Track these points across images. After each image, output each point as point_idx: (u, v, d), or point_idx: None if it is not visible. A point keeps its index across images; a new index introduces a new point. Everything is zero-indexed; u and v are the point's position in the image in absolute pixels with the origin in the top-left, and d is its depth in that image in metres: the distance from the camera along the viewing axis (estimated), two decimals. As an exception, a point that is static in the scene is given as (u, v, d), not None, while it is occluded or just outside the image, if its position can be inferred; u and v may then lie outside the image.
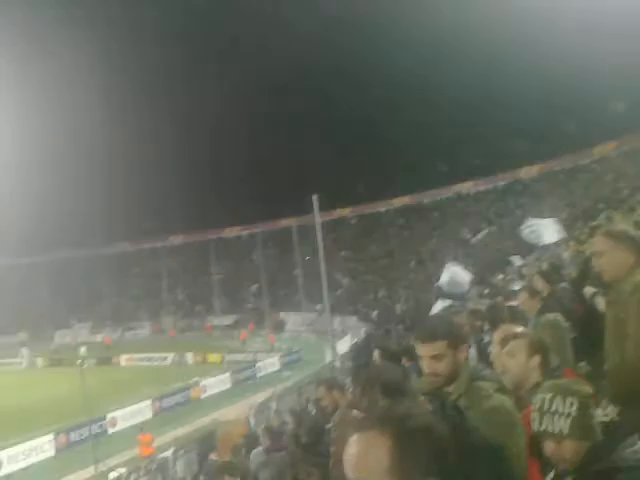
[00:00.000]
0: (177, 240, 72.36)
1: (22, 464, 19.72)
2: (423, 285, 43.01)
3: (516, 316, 5.27)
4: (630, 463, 1.90)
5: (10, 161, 59.49)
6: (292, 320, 53.32)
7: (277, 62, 61.76)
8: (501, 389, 2.72)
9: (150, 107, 63.92)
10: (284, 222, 63.79)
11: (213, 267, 65.27)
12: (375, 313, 41.26)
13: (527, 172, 51.96)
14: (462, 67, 49.38)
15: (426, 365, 2.67)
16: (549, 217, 14.89)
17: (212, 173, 63.19)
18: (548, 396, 2.19)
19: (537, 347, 3.20)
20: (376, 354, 5.48)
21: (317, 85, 57.98)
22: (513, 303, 6.63)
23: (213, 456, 8.01)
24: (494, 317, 5.44)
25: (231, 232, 70.32)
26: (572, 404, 2.13)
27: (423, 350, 2.70)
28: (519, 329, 3.59)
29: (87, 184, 64.34)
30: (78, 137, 63.09)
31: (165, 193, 64.93)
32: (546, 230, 12.71)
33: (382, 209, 63.96)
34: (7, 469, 19.27)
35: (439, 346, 2.65)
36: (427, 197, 60.76)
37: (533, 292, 5.73)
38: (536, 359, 3.14)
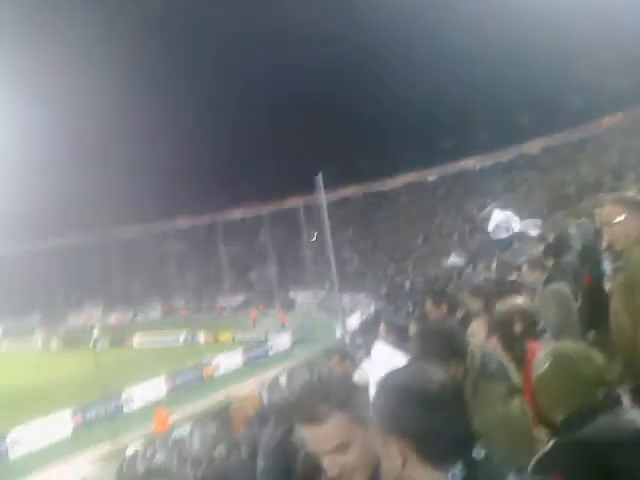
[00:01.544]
0: (185, 222, 72.76)
1: (40, 442, 20.22)
2: (430, 261, 43.23)
3: (519, 289, 5.23)
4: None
5: (23, 147, 59.83)
6: (301, 298, 53.75)
7: (281, 41, 61.38)
8: (513, 390, 2.62)
9: (159, 90, 63.96)
10: (290, 202, 63.96)
11: (221, 248, 65.63)
12: (384, 290, 41.56)
13: (532, 146, 51.69)
14: (465, 42, 48.82)
15: None
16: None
17: (217, 155, 63.19)
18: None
19: (494, 327, 3.15)
20: (382, 328, 5.54)
21: (320, 63, 57.59)
22: (518, 277, 6.67)
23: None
24: (496, 292, 5.40)
25: (238, 213, 70.61)
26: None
27: None
28: (519, 301, 3.53)
29: (97, 168, 64.65)
30: (89, 120, 63.10)
31: (172, 176, 65.03)
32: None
33: (387, 187, 63.96)
34: (26, 447, 19.79)
35: None
36: (432, 174, 60.66)
37: (538, 264, 5.86)
38: (493, 340, 3.09)
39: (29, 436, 20.13)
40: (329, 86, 58.54)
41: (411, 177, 61.76)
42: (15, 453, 19.46)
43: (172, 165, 64.57)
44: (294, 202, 61.93)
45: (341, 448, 1.55)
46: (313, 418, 1.57)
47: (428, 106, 54.00)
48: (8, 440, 19.57)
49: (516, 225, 12.62)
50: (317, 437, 1.56)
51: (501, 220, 12.59)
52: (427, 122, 54.61)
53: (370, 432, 1.54)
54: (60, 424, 21.33)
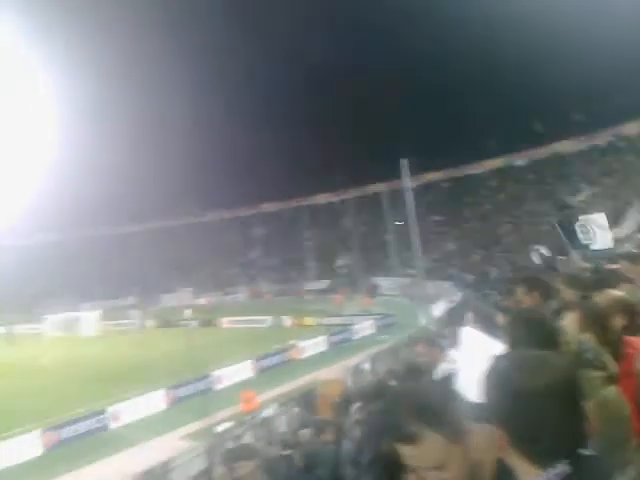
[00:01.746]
0: (270, 207, 74.10)
1: (137, 416, 21.44)
2: (519, 248, 41.81)
3: (619, 280, 4.92)
4: None
5: (113, 134, 62.74)
6: (386, 284, 53.53)
7: (362, 20, 60.88)
8: (610, 377, 2.50)
9: (243, 74, 65.14)
10: (375, 187, 63.63)
11: (306, 233, 66.40)
12: (470, 277, 40.65)
13: (630, 128, 48.55)
14: (559, 21, 46.38)
15: None
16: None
17: (302, 141, 63.74)
18: None
19: (591, 320, 2.97)
20: (469, 316, 5.42)
21: (406, 47, 56.58)
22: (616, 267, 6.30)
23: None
24: (594, 282, 5.04)
25: (323, 199, 71.06)
26: None
27: None
28: (620, 294, 3.37)
29: (183, 154, 66.76)
30: (174, 103, 65.07)
31: (257, 161, 66.27)
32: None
33: (475, 172, 62.23)
34: (124, 420, 21.06)
35: None
36: (522, 158, 58.38)
37: (636, 257, 5.51)
38: (588, 333, 2.91)
39: (127, 411, 21.36)
40: (414, 69, 57.49)
41: (499, 161, 59.76)
42: (114, 426, 20.73)
43: (258, 150, 65.78)
44: (378, 187, 61.62)
45: (439, 466, 1.50)
46: (408, 438, 1.50)
47: (518, 87, 51.87)
48: (108, 414, 20.87)
49: (619, 230, 11.84)
50: (413, 456, 1.51)
51: (600, 224, 11.65)
52: (517, 104, 52.49)
53: (469, 447, 1.48)
54: (155, 400, 22.47)
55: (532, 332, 2.54)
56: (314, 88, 64.28)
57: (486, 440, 1.41)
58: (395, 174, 34.07)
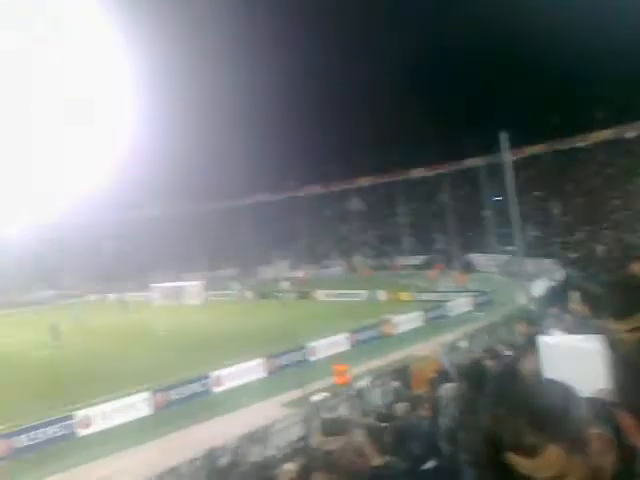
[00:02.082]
0: (365, 182, 73.94)
1: (237, 382, 22.49)
2: (629, 225, 39.38)
3: None
4: None
5: (219, 114, 64.64)
6: (482, 261, 52.29)
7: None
8: None
9: (341, 49, 64.88)
10: (472, 161, 61.81)
11: (401, 208, 65.87)
12: (573, 256, 38.83)
13: None
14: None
15: None
16: None
17: (399, 114, 62.82)
18: None
19: None
20: (575, 296, 5.15)
21: (503, 15, 53.92)
22: None
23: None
24: None
25: (418, 173, 69.95)
26: None
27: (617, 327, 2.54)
28: None
29: (282, 131, 67.81)
30: (278, 83, 65.98)
31: (352, 137, 66.18)
32: None
33: (580, 144, 58.77)
34: (226, 386, 22.16)
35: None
36: (634, 130, 54.42)
37: None
38: None
39: (228, 377, 22.44)
40: (515, 37, 54.77)
41: (607, 134, 56.06)
42: (216, 391, 21.87)
43: (354, 126, 65.62)
44: (476, 161, 59.81)
45: (558, 477, 1.39)
46: (524, 449, 1.37)
47: (630, 56, 48.11)
48: (211, 379, 22.02)
49: None
50: (529, 467, 1.38)
51: None
52: (626, 72, 48.77)
53: (589, 454, 1.36)
54: (254, 368, 23.42)
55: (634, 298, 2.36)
56: (409, 60, 63.04)
57: (605, 444, 1.35)
58: (494, 147, 32.86)
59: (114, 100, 67.26)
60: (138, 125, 65.50)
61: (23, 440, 17.20)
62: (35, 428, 17.63)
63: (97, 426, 18.64)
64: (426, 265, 56.42)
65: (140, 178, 66.70)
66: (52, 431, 17.82)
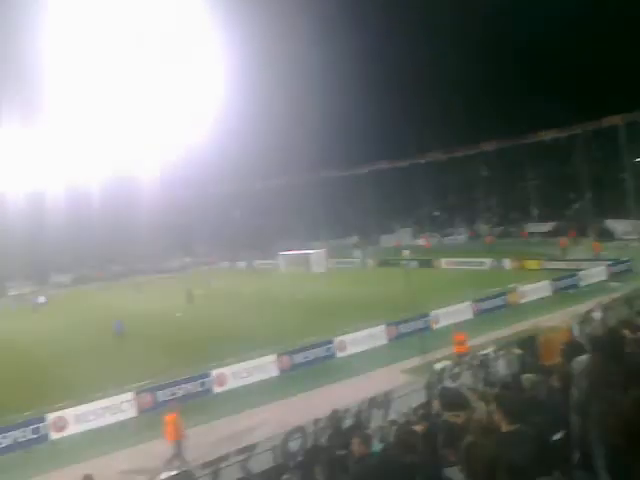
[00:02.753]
0: (490, 146, 70.91)
1: (360, 348, 22.89)
2: None
3: None
4: None
5: (331, 88, 64.79)
6: (620, 228, 48.66)
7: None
8: None
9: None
10: (609, 120, 57.13)
11: (529, 172, 62.78)
12: None
13: None
14: None
15: None
16: None
17: (524, 72, 59.32)
18: None
19: None
20: None
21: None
22: None
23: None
24: None
25: (547, 135, 65.80)
26: None
27: None
28: None
29: (397, 96, 66.73)
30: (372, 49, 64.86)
31: (476, 99, 63.56)
32: None
33: None
34: (350, 351, 22.64)
35: None
36: None
37: None
38: None
39: (351, 342, 22.90)
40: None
41: None
42: (340, 355, 22.41)
43: (479, 86, 63.01)
44: (614, 120, 55.23)
45: None
46: None
47: None
48: (335, 344, 22.58)
49: None
50: None
51: None
52: None
53: None
54: (376, 335, 23.69)
55: None
56: (537, 13, 58.93)
57: None
58: (635, 104, 30.15)
59: (233, 70, 69.14)
60: (263, 95, 67.18)
61: (167, 394, 18.80)
62: (176, 384, 19.17)
63: (230, 384, 19.87)
64: (556, 232, 53.52)
65: (266, 148, 68.72)
66: (191, 387, 19.27)
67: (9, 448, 16.26)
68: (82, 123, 73.55)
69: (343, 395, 15.47)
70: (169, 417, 14.61)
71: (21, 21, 59.50)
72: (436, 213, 73.27)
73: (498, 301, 28.09)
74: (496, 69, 61.89)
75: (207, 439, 14.96)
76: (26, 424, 16.84)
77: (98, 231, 72.57)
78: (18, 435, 16.50)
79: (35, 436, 16.71)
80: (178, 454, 14.17)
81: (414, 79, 64.85)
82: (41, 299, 51.74)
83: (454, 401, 5.56)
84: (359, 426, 11.68)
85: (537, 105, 58.81)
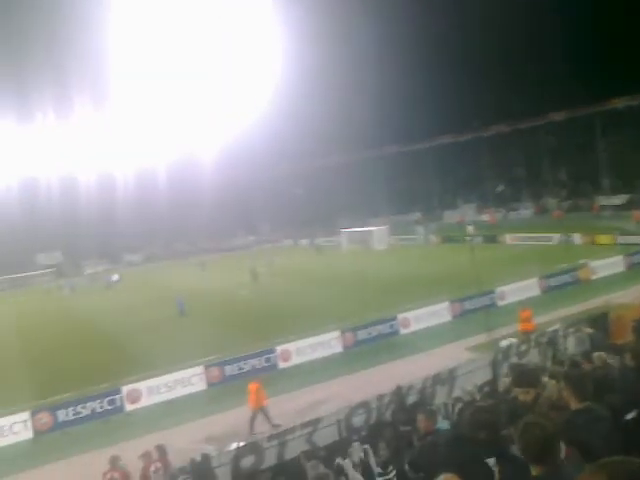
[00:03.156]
0: (558, 116, 68.12)
1: (423, 325, 22.78)
2: None
3: None
4: None
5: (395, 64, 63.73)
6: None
7: None
8: None
9: None
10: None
11: (599, 143, 60.08)
12: None
13: None
14: None
15: None
16: None
17: (597, 38, 56.30)
18: None
19: None
20: None
21: None
22: None
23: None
24: None
25: (620, 102, 62.58)
26: None
27: None
28: None
29: (465, 71, 64.96)
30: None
31: (542, 71, 61.06)
32: None
33: None
34: (414, 327, 22.57)
35: None
36: None
37: None
38: None
39: (415, 319, 22.82)
40: None
41: None
42: (403, 332, 22.36)
43: (543, 60, 60.46)
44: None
45: None
46: None
47: None
48: (398, 321, 22.55)
49: None
50: None
51: None
52: None
53: None
54: (440, 312, 23.49)
55: None
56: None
57: None
58: None
59: (291, 48, 69.02)
60: (323, 73, 66.85)
61: (234, 369, 19.41)
62: (242, 359, 19.71)
63: (294, 360, 20.23)
64: (630, 205, 51.14)
65: (326, 126, 68.56)
66: (256, 362, 19.75)
67: (88, 418, 17.20)
68: (148, 105, 75.62)
69: (406, 372, 15.48)
70: (252, 386, 15.29)
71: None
72: (501, 187, 71.28)
73: (567, 277, 27.19)
74: (569, 35, 59.12)
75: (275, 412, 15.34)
76: (103, 395, 17.79)
77: (166, 211, 75.00)
78: (96, 406, 17.44)
79: (111, 407, 17.61)
80: (256, 418, 14.82)
81: (480, 49, 62.77)
82: (115, 277, 54.00)
83: (524, 377, 5.48)
84: (423, 403, 11.69)
85: (610, 71, 55.93)
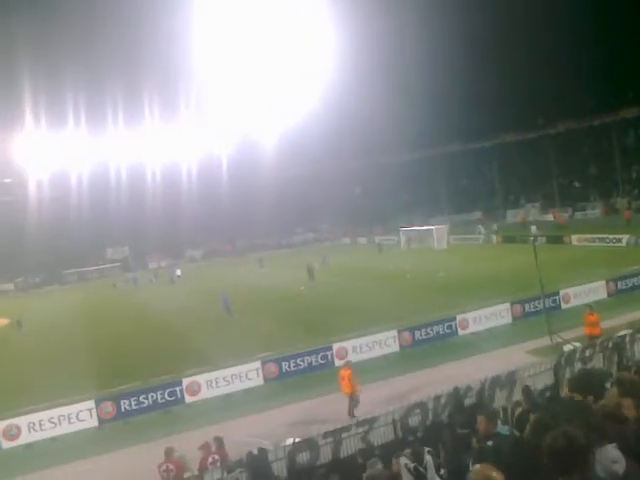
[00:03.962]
0: (631, 113, 65.27)
1: (483, 326, 22.32)
2: None
3: None
4: None
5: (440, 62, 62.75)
6: None
7: None
8: None
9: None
10: None
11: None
12: None
13: None
14: None
15: None
16: None
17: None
18: None
19: None
20: None
21: None
22: None
23: None
24: None
25: None
26: None
27: None
28: None
29: (526, 67, 63.31)
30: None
31: (613, 63, 58.68)
32: None
33: None
34: (473, 329, 22.14)
35: None
36: None
37: None
38: None
39: (474, 320, 22.40)
40: None
41: None
42: (462, 333, 21.99)
43: (614, 51, 58.11)
44: None
45: None
46: None
47: None
48: (457, 321, 22.19)
49: None
50: None
51: None
52: None
53: None
54: (501, 313, 22.94)
55: None
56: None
57: None
58: None
59: (354, 45, 68.84)
60: (387, 71, 66.50)
61: (290, 365, 19.69)
62: (299, 356, 19.96)
63: (350, 358, 20.20)
64: None
65: (387, 123, 68.14)
66: (313, 359, 19.91)
67: (149, 408, 17.81)
68: (214, 102, 77.42)
69: (464, 373, 15.24)
70: (345, 372, 15.55)
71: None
72: (567, 186, 68.93)
73: (637, 280, 25.98)
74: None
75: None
76: (164, 387, 18.35)
77: (227, 208, 76.59)
78: (157, 397, 18.02)
79: (171, 398, 18.15)
80: (354, 405, 15.15)
81: (547, 43, 60.85)
82: (177, 272, 55.40)
83: (582, 382, 5.31)
84: (481, 405, 11.48)
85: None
